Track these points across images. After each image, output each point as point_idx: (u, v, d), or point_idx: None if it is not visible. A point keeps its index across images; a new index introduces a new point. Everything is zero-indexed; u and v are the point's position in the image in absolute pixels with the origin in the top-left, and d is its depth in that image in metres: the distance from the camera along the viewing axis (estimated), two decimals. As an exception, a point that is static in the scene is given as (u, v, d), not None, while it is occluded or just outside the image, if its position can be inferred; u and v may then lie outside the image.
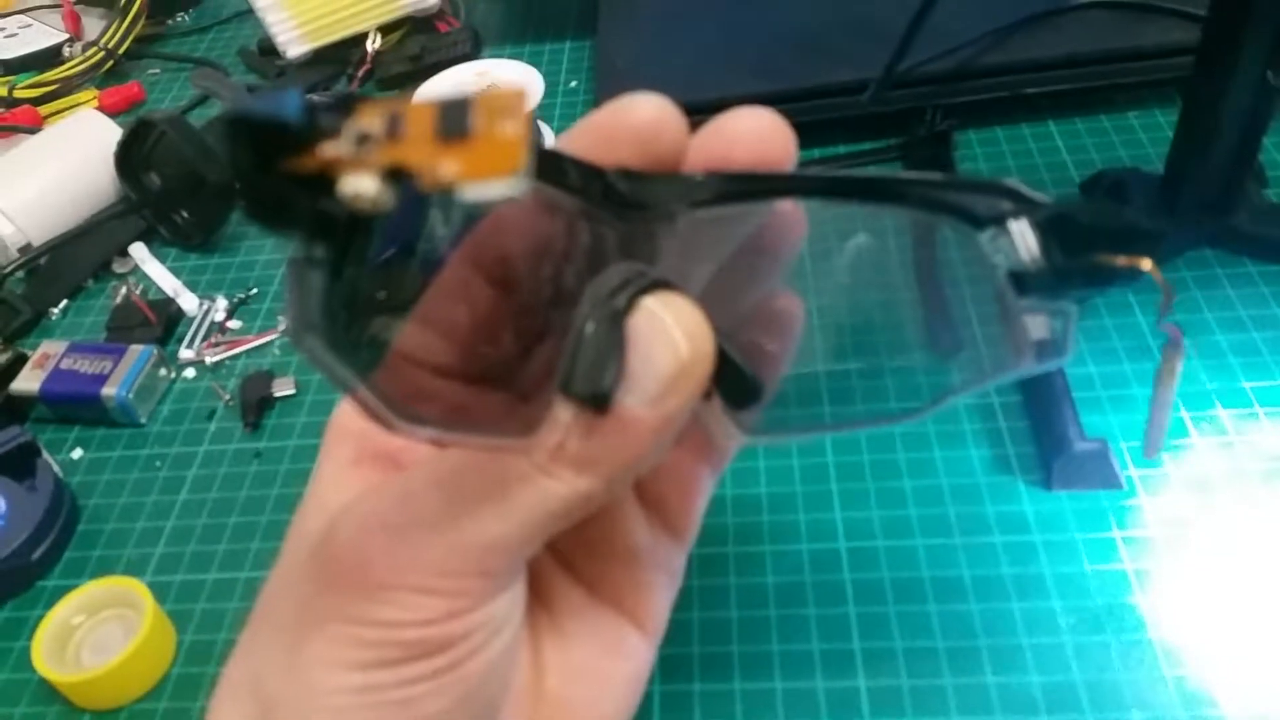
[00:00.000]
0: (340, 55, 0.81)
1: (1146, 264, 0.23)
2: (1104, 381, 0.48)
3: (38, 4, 0.95)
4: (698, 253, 0.25)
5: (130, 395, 0.54)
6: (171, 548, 0.49)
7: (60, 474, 0.52)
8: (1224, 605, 0.40)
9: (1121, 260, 0.23)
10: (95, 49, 0.85)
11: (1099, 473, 0.44)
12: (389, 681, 0.23)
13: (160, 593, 0.46)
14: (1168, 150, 0.52)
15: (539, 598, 0.28)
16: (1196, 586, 0.41)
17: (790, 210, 0.26)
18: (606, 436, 0.22)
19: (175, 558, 0.49)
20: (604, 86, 0.68)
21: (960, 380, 0.27)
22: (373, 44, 0.79)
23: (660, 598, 0.29)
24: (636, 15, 0.74)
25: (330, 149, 0.18)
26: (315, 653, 0.23)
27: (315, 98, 0.18)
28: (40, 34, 0.90)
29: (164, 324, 0.60)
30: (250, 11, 0.80)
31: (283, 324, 0.60)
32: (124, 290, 0.64)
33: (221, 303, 0.62)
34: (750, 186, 0.25)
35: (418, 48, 0.79)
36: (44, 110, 0.82)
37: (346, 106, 0.19)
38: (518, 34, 0.83)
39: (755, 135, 0.25)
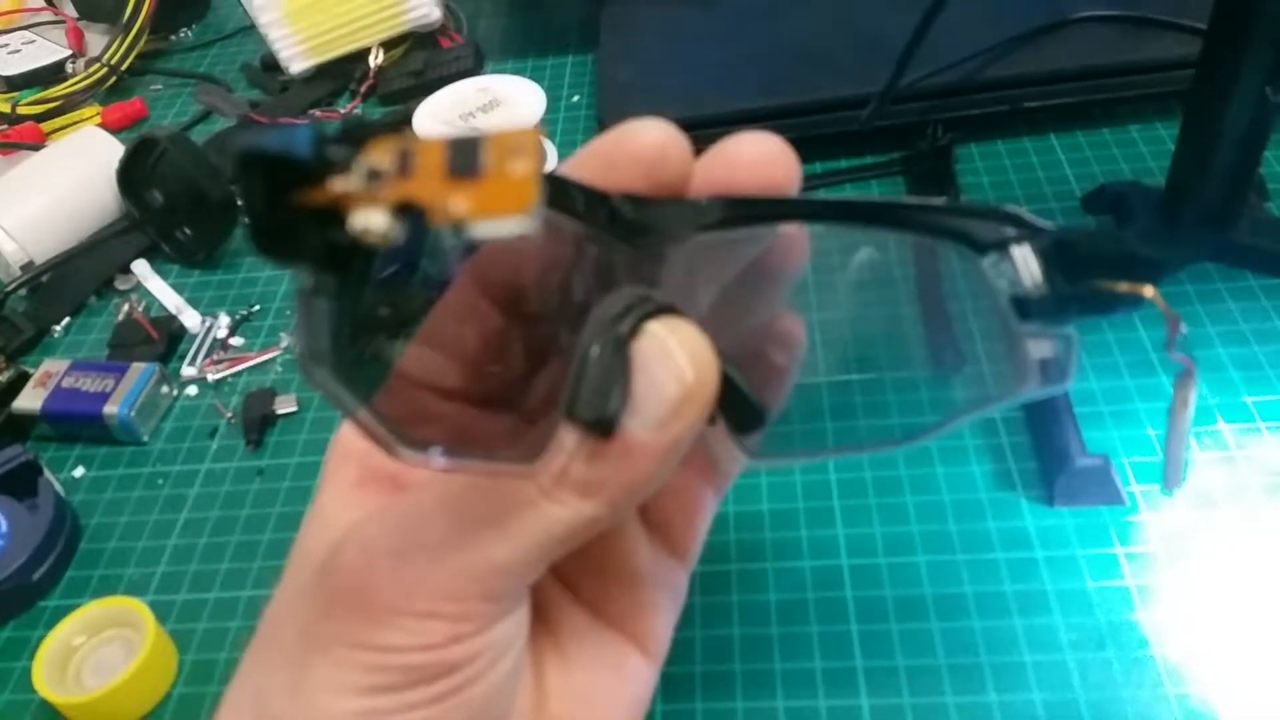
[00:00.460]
0: (343, 70, 0.81)
1: (1149, 291, 0.23)
2: (1106, 396, 0.48)
3: (41, 20, 0.95)
4: (702, 276, 0.25)
5: (132, 413, 0.54)
6: (173, 567, 0.49)
7: (62, 493, 0.52)
8: (1227, 621, 0.40)
9: (1124, 287, 0.23)
10: (98, 65, 0.86)
11: (1101, 488, 0.44)
12: (393, 706, 0.23)
13: (162, 612, 0.46)
14: (1169, 163, 0.52)
15: (541, 619, 0.28)
16: (1199, 602, 0.41)
17: (794, 233, 0.26)
18: (611, 461, 0.22)
19: (177, 577, 0.49)
20: (606, 101, 0.68)
21: (963, 404, 0.27)
22: (375, 59, 0.80)
23: (663, 619, 0.29)
24: (638, 30, 0.74)
25: (341, 184, 0.18)
26: (319, 676, 0.23)
27: (325, 131, 0.19)
28: (43, 50, 0.90)
29: (166, 341, 0.60)
30: (253, 27, 0.81)
31: (284, 341, 0.60)
32: (126, 307, 0.64)
33: (224, 320, 0.62)
34: (755, 211, 0.25)
35: (420, 63, 0.79)
36: (47, 126, 0.82)
37: (357, 141, 0.19)
38: (520, 49, 0.83)
39: (759, 159, 0.25)
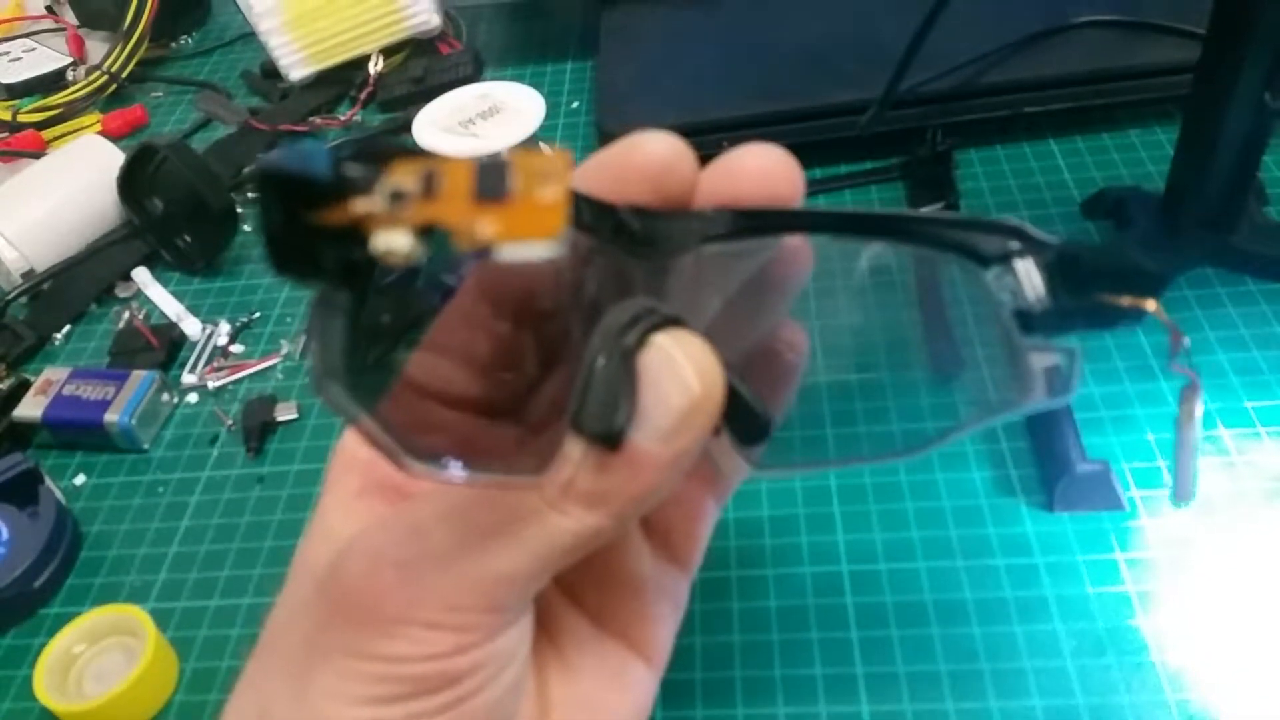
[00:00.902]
0: (343, 77, 0.81)
1: (1151, 305, 0.23)
2: (1106, 402, 0.48)
3: (42, 28, 0.96)
4: (706, 287, 0.26)
5: (133, 421, 0.54)
6: (174, 574, 0.49)
7: (63, 501, 0.52)
8: (1227, 627, 0.40)
9: (1127, 301, 0.23)
10: (99, 73, 0.86)
11: (1101, 494, 0.44)
12: (396, 716, 0.23)
13: (162, 620, 0.46)
14: (1169, 168, 0.52)
15: (544, 628, 0.28)
16: (1199, 608, 0.41)
17: (798, 244, 0.27)
18: (617, 473, 0.22)
19: (178, 584, 0.49)
20: (605, 107, 0.68)
21: (966, 417, 0.27)
22: (375, 66, 0.80)
23: (665, 628, 0.29)
24: (637, 37, 0.74)
25: (363, 205, 0.18)
26: (322, 686, 0.23)
27: (346, 151, 0.19)
28: (44, 58, 0.90)
29: (167, 349, 0.60)
30: (253, 34, 0.81)
31: (285, 348, 0.60)
32: (127, 315, 0.64)
33: (224, 327, 0.62)
34: (760, 222, 0.25)
35: (420, 70, 0.79)
36: (48, 134, 0.83)
37: (380, 160, 0.19)
38: (519, 56, 0.83)
39: (764, 171, 0.25)
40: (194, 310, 0.64)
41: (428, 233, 0.18)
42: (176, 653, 0.45)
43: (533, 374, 0.29)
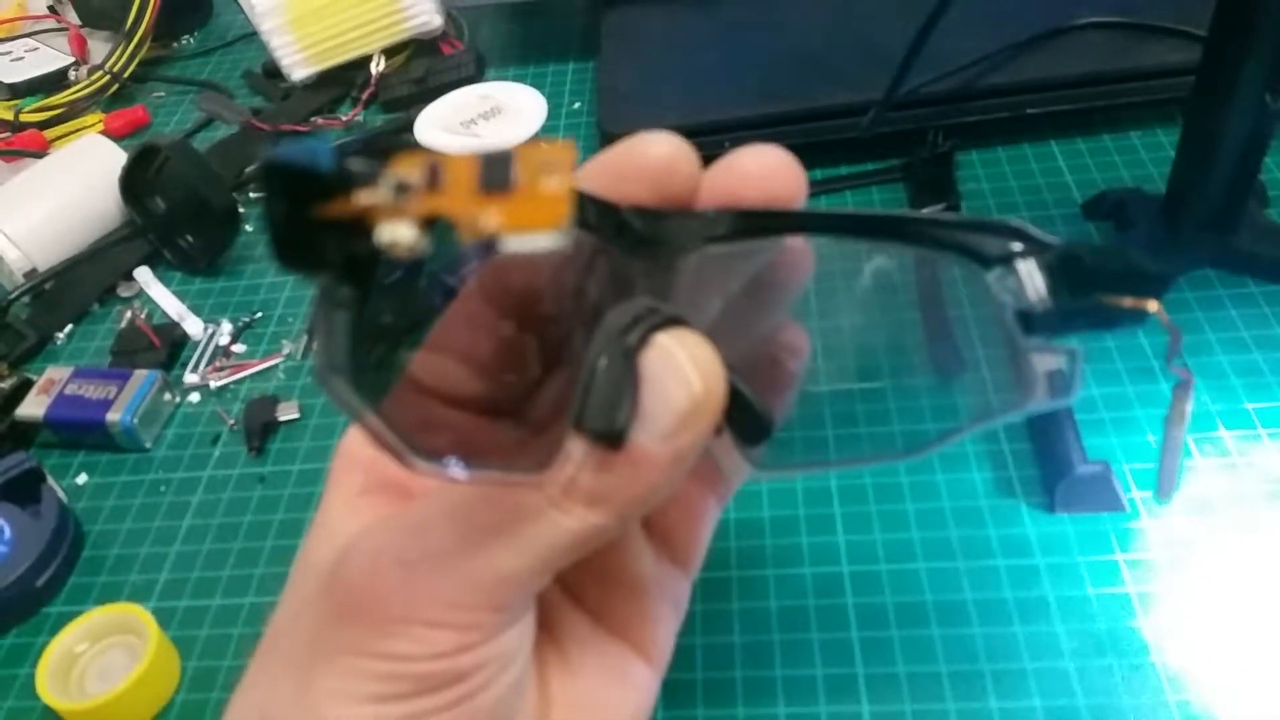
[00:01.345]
0: (345, 78, 0.81)
1: (1153, 306, 0.23)
2: (1106, 403, 0.48)
3: (44, 27, 0.96)
4: (708, 288, 0.26)
5: (135, 420, 0.54)
6: (176, 573, 0.49)
7: (65, 500, 0.52)
8: (1228, 629, 0.40)
9: (1128, 302, 0.23)
10: (101, 72, 0.86)
11: (1101, 495, 0.44)
12: (400, 715, 0.23)
13: (164, 619, 0.46)
14: (1169, 170, 0.52)
15: (545, 628, 0.28)
16: (1200, 610, 0.41)
17: (799, 245, 0.27)
18: (619, 472, 0.22)
19: (179, 583, 0.49)
20: (606, 108, 0.68)
21: (967, 418, 0.27)
22: (377, 66, 0.80)
23: (665, 627, 0.30)
24: (638, 37, 0.74)
25: (367, 197, 0.18)
26: (326, 685, 0.23)
27: (350, 145, 0.19)
28: (46, 57, 0.90)
29: (169, 348, 0.61)
30: (255, 34, 0.81)
31: (287, 348, 0.60)
32: (129, 315, 0.64)
33: (226, 327, 0.62)
34: (762, 224, 0.25)
35: (422, 70, 0.79)
36: (50, 134, 0.83)
37: (383, 155, 0.19)
38: (521, 56, 0.83)
39: (766, 172, 0.25)
40: (196, 310, 0.64)
41: (432, 225, 0.18)
42: (178, 651, 0.45)
43: (535, 373, 0.29)
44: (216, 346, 0.61)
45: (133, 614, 0.45)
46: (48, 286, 0.66)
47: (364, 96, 0.79)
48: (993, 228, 0.25)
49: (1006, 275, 0.24)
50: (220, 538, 0.50)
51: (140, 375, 0.56)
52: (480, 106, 0.66)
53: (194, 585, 0.48)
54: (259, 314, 0.63)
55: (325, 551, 0.26)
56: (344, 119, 0.78)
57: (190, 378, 0.59)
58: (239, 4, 0.84)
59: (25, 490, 0.51)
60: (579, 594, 0.29)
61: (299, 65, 0.80)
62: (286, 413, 0.56)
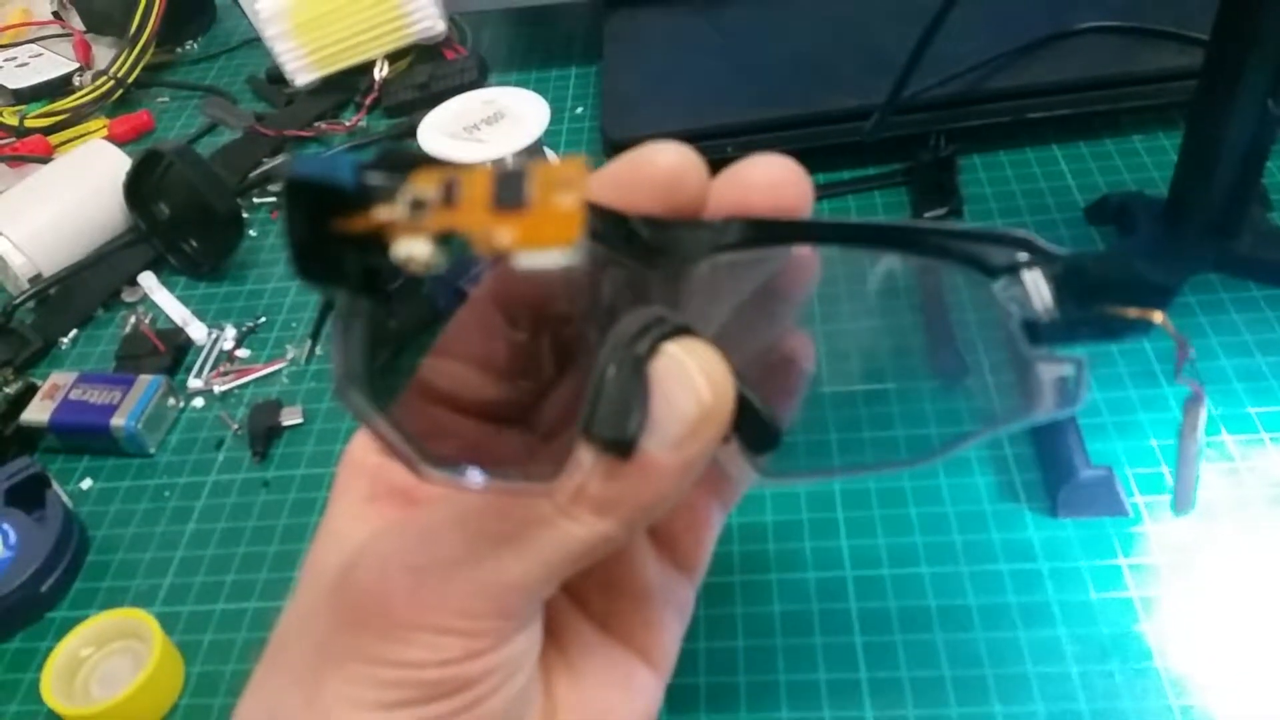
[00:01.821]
0: (348, 83, 0.81)
1: (1158, 317, 0.23)
2: (1110, 407, 0.48)
3: (49, 33, 0.96)
4: (716, 297, 0.26)
5: (139, 425, 0.55)
6: (180, 578, 0.49)
7: (70, 505, 0.52)
8: (1230, 633, 0.40)
9: (1134, 312, 0.23)
10: (105, 78, 0.86)
11: (1105, 500, 0.44)
12: None
13: (169, 624, 0.46)
14: (1172, 174, 0.52)
15: (551, 634, 0.28)
16: (1203, 614, 0.41)
17: (805, 254, 0.27)
18: (628, 480, 0.22)
19: (184, 588, 0.49)
20: (610, 113, 0.68)
21: (972, 426, 0.27)
22: (380, 72, 0.80)
23: (670, 634, 0.30)
24: (642, 42, 0.74)
25: (385, 212, 0.19)
26: (334, 692, 0.24)
27: (369, 160, 0.19)
28: (51, 63, 0.91)
29: (173, 353, 0.61)
30: (259, 40, 0.81)
31: (290, 353, 0.60)
32: (133, 320, 0.64)
33: (230, 331, 0.62)
34: (770, 233, 0.25)
35: (425, 75, 0.80)
36: (54, 139, 0.83)
37: (401, 169, 0.19)
38: (524, 61, 0.83)
39: (773, 181, 0.25)
40: (200, 315, 0.64)
41: (447, 240, 0.19)
42: (183, 656, 0.45)
43: (543, 381, 0.29)
44: (220, 351, 0.61)
45: (137, 619, 0.45)
46: (52, 292, 0.67)
47: (367, 102, 0.79)
48: (999, 238, 0.25)
49: (1012, 285, 0.25)
50: (224, 543, 0.51)
51: (144, 380, 0.57)
52: (483, 112, 0.66)
53: (198, 590, 0.49)
54: (263, 319, 0.63)
55: (332, 558, 0.26)
56: (347, 124, 0.78)
57: (194, 383, 0.59)
58: (243, 9, 0.84)
59: (30, 495, 0.51)
60: (584, 600, 0.29)
61: (302, 70, 0.80)
62: (290, 418, 0.56)
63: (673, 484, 0.23)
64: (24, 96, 0.88)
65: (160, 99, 0.88)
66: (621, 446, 0.22)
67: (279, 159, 0.76)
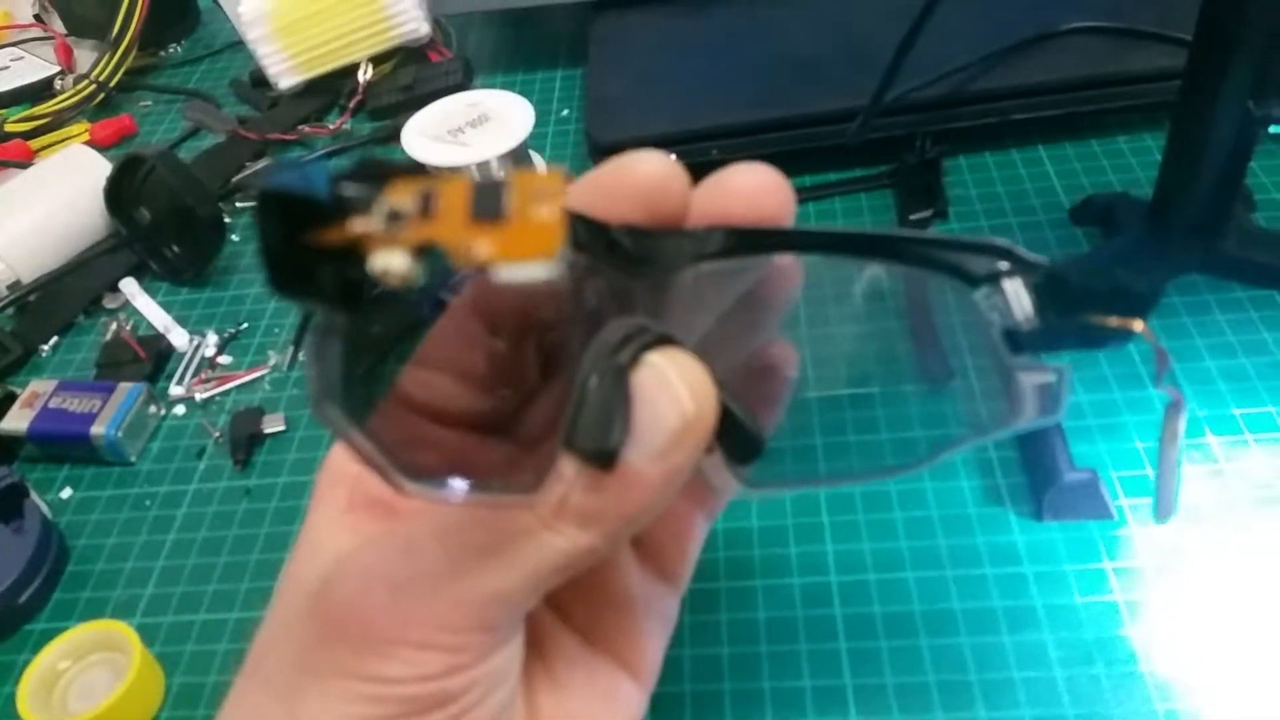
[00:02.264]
0: (332, 86, 0.81)
1: (1139, 326, 0.23)
2: (1094, 410, 0.48)
3: (30, 36, 0.95)
4: (698, 306, 0.26)
5: (119, 434, 0.54)
6: (160, 589, 0.49)
7: (49, 514, 0.52)
8: (1215, 636, 0.40)
9: (1115, 321, 0.23)
10: (87, 81, 0.86)
11: (1089, 503, 0.44)
12: None
13: (149, 634, 0.46)
14: (1157, 174, 0.52)
15: (533, 645, 0.28)
16: (1188, 617, 0.41)
17: (787, 263, 0.27)
18: (611, 492, 0.22)
19: (164, 599, 0.48)
20: (595, 115, 0.68)
21: (955, 435, 0.27)
22: (364, 75, 0.80)
23: (654, 644, 0.29)
24: (627, 44, 0.74)
25: (361, 224, 0.18)
26: (314, 705, 0.23)
27: (345, 171, 0.19)
28: (32, 67, 0.90)
29: (154, 360, 0.60)
30: (242, 43, 0.81)
31: (272, 359, 0.60)
32: (114, 326, 0.63)
33: (212, 338, 0.62)
34: (753, 242, 0.25)
35: (409, 78, 0.79)
36: (35, 144, 0.82)
37: (377, 179, 0.19)
38: (509, 63, 0.83)
39: (755, 190, 0.25)
40: (181, 321, 0.64)
41: (424, 252, 0.18)
42: (163, 668, 0.45)
43: (525, 391, 0.29)
44: (202, 358, 0.61)
45: (116, 630, 0.45)
46: (32, 298, 0.66)
47: (351, 105, 0.79)
48: (980, 247, 0.25)
49: (994, 294, 0.24)
50: (205, 552, 0.50)
51: (125, 388, 0.56)
52: (468, 114, 0.65)
53: (179, 600, 0.48)
54: (244, 325, 0.63)
55: (311, 570, 0.26)
56: (331, 127, 0.78)
57: (175, 390, 0.59)
58: (226, 12, 0.84)
59: (8, 505, 0.50)
60: (567, 611, 0.29)
61: (286, 74, 0.80)
62: (272, 425, 0.55)
63: (656, 495, 0.23)
64: (4, 100, 0.87)
65: (143, 103, 0.88)
66: (604, 457, 0.22)
67: (262, 163, 0.76)
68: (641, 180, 0.25)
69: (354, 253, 0.19)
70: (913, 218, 0.61)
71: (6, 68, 0.90)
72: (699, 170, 0.25)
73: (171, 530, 0.52)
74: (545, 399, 0.29)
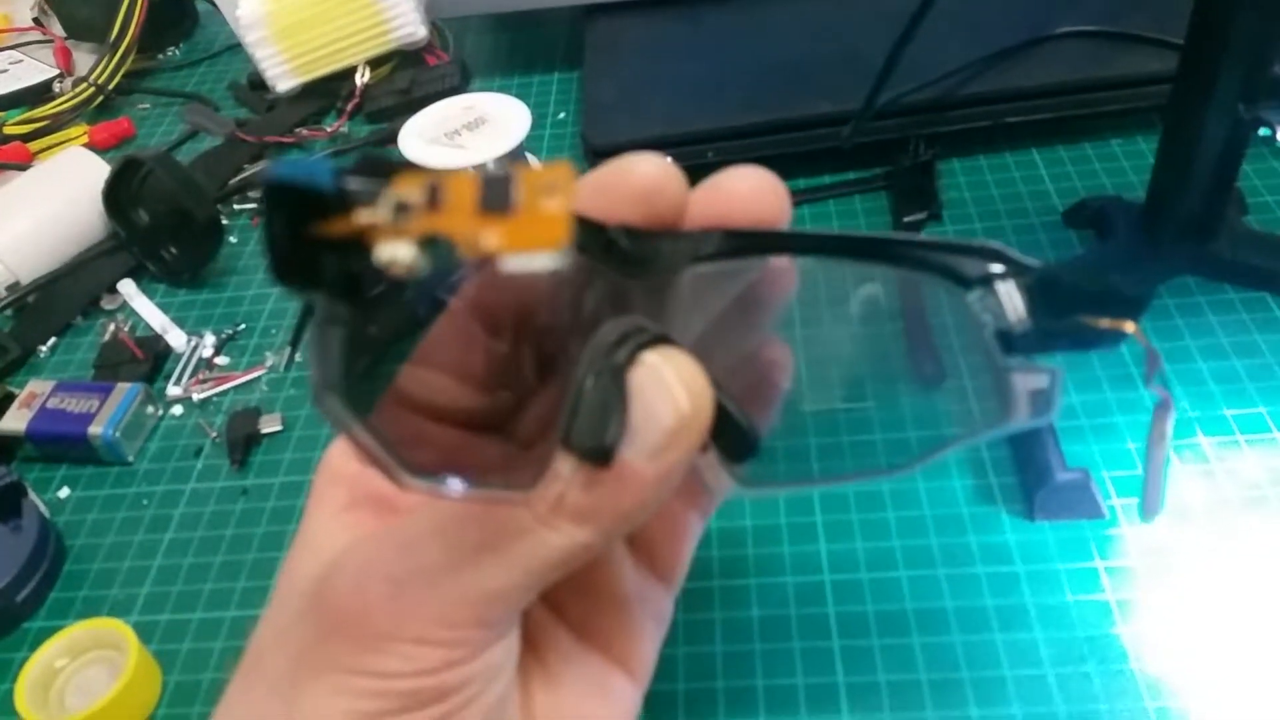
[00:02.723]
0: (329, 89, 0.81)
1: (1130, 327, 0.23)
2: (1086, 410, 0.48)
3: (29, 39, 0.96)
4: (694, 306, 0.26)
5: (117, 434, 0.54)
6: (158, 587, 0.49)
7: (46, 514, 0.52)
8: (1206, 635, 0.40)
9: (1106, 323, 0.23)
10: (86, 84, 0.86)
11: (1081, 502, 0.44)
12: None
13: (146, 633, 0.46)
14: (1149, 178, 0.53)
15: (528, 642, 0.28)
16: (1179, 616, 0.41)
17: (782, 264, 0.27)
18: (606, 489, 0.23)
19: (161, 597, 0.49)
20: (590, 119, 0.68)
21: (949, 436, 0.27)
22: (362, 78, 0.80)
23: (648, 642, 0.30)
24: (623, 48, 0.74)
25: (367, 216, 0.19)
26: (312, 701, 0.24)
27: (350, 164, 0.19)
28: (31, 69, 0.90)
29: (152, 361, 0.60)
30: (240, 46, 0.81)
31: (269, 360, 0.60)
32: (112, 327, 0.64)
33: (209, 339, 0.62)
34: (749, 243, 0.25)
35: (406, 81, 0.80)
36: (34, 146, 0.83)
37: (383, 174, 0.19)
38: (506, 66, 0.83)
39: (752, 193, 0.26)
40: (179, 322, 0.64)
41: (430, 244, 0.19)
42: (160, 666, 0.45)
43: (522, 391, 0.29)
44: (199, 359, 0.61)
45: (113, 629, 0.45)
46: (31, 299, 0.66)
47: (349, 108, 0.79)
48: (973, 250, 0.25)
49: (986, 296, 0.25)
50: (203, 551, 0.50)
51: (123, 388, 0.56)
52: (465, 117, 0.66)
53: (176, 599, 0.48)
54: (242, 326, 0.63)
55: (309, 567, 0.26)
56: (329, 130, 0.78)
57: (173, 390, 0.59)
58: (224, 16, 0.84)
59: (6, 504, 0.51)
60: (562, 608, 0.29)
61: (284, 77, 0.80)
62: (269, 425, 0.56)
63: (651, 493, 0.23)
64: (3, 103, 0.87)
65: (141, 106, 0.88)
66: (600, 455, 0.22)
67: (259, 165, 0.76)
68: (639, 182, 0.25)
69: (358, 245, 0.19)
70: (907, 220, 0.61)
71: (5, 71, 0.90)
72: (694, 173, 0.26)
73: (169, 529, 0.52)
74: (543, 399, 0.29)
